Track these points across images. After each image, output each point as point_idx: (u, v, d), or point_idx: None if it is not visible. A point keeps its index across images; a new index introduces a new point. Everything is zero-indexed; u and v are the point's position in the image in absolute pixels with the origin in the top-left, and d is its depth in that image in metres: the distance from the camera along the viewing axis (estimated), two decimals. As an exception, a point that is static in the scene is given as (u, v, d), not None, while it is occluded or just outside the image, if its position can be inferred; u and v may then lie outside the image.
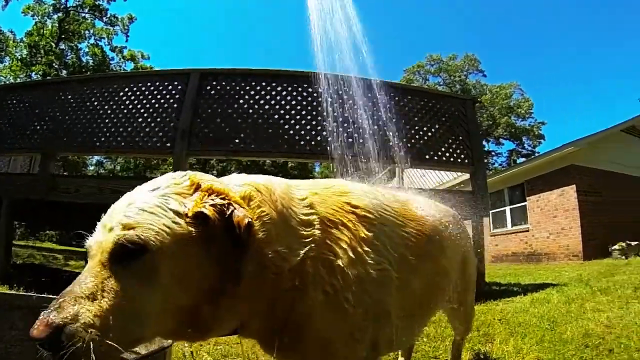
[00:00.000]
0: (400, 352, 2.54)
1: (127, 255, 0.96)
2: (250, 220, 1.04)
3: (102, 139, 6.42)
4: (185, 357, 2.82)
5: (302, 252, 1.19)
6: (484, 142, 40.08)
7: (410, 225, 1.53)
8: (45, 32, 28.96)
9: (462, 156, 6.76)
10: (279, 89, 6.46)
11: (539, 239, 14.26)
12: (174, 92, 6.46)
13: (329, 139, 5.76)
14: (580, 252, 12.43)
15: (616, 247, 11.47)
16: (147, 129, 6.31)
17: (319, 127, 6.16)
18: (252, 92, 6.42)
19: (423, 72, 43.39)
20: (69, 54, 31.74)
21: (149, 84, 6.59)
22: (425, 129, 6.72)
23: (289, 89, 6.43)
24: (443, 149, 6.71)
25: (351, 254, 1.26)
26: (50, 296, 1.91)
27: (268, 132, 6.26)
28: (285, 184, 1.35)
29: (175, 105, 6.35)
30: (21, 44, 28.96)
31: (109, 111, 6.52)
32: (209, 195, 1.07)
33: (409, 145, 6.52)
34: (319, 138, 6.10)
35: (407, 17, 69.37)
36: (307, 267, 1.19)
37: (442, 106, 6.97)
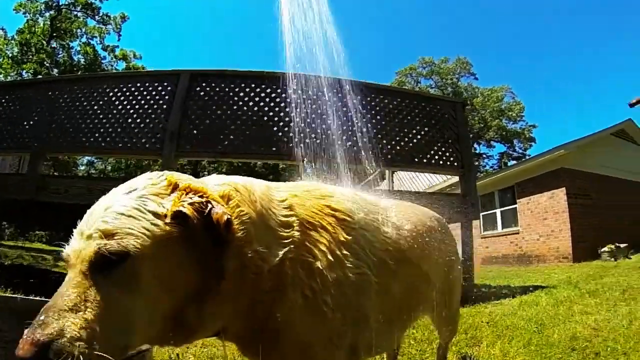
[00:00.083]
0: (385, 356, 2.53)
1: (108, 264, 0.94)
2: (229, 217, 1.04)
3: (92, 139, 6.36)
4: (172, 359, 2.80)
5: (281, 252, 1.19)
6: (476, 145, 40.35)
7: (391, 230, 1.53)
8: (37, 30, 28.68)
9: (452, 159, 6.77)
10: (268, 90, 6.45)
11: (529, 241, 14.33)
12: (163, 93, 6.43)
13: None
14: (570, 254, 12.50)
15: (605, 249, 11.55)
16: (136, 130, 6.27)
17: (308, 130, 6.15)
18: (242, 94, 6.41)
19: (415, 75, 43.49)
20: (60, 52, 31.45)
21: (138, 85, 6.55)
22: (414, 131, 6.73)
23: (278, 90, 6.42)
24: (432, 152, 6.72)
25: (330, 257, 1.26)
26: (36, 298, 1.89)
27: (257, 133, 6.24)
28: (264, 185, 1.35)
29: (164, 106, 6.32)
30: (12, 41, 28.59)
31: (98, 111, 6.46)
32: (187, 194, 1.06)
33: (398, 147, 6.53)
34: (307, 141, 6.09)
35: (399, 19, 69.51)
36: (286, 268, 1.19)
37: (431, 109, 6.99)
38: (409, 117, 6.79)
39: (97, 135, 6.36)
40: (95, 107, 6.50)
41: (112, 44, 32.38)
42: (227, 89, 6.43)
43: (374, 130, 6.37)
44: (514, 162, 34.71)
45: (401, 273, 1.52)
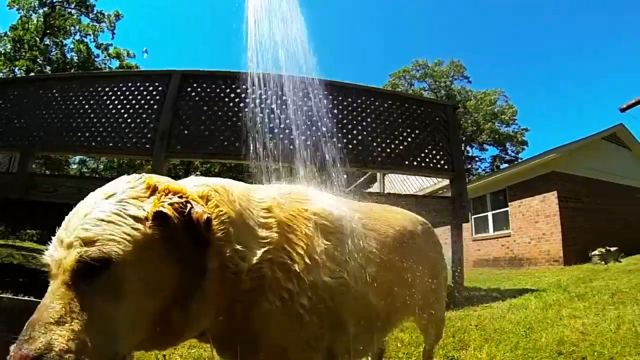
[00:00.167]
0: (369, 358, 2.52)
1: (90, 272, 0.93)
2: (209, 216, 1.04)
3: (82, 138, 6.33)
4: (157, 361, 2.78)
5: (260, 252, 1.20)
6: (468, 148, 40.53)
7: (371, 235, 1.53)
8: (30, 26, 28.48)
9: (442, 162, 6.79)
10: (259, 92, 6.41)
11: (521, 244, 14.39)
12: (154, 93, 6.42)
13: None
14: (561, 258, 12.55)
15: (596, 252, 11.60)
16: (127, 130, 6.25)
17: (297, 131, 6.15)
18: (232, 95, 6.40)
19: (409, 77, 43.60)
20: (53, 49, 31.24)
21: (130, 84, 6.53)
22: (405, 134, 6.74)
23: (269, 92, 6.37)
24: (423, 155, 6.74)
25: (307, 261, 1.27)
26: (23, 298, 1.87)
27: (247, 135, 6.21)
28: (243, 187, 1.36)
29: (155, 107, 6.31)
30: (5, 38, 28.39)
31: (89, 110, 6.44)
32: (167, 195, 1.06)
33: (388, 150, 6.53)
34: (297, 142, 6.08)
35: (393, 22, 69.61)
36: (264, 269, 1.20)
37: (422, 111, 7.01)
38: (400, 120, 6.80)
39: (87, 134, 6.33)
40: (86, 106, 6.48)
41: (105, 42, 32.35)
42: (218, 90, 6.43)
43: (364, 133, 6.37)
44: (506, 165, 34.89)
45: (381, 278, 1.52)
